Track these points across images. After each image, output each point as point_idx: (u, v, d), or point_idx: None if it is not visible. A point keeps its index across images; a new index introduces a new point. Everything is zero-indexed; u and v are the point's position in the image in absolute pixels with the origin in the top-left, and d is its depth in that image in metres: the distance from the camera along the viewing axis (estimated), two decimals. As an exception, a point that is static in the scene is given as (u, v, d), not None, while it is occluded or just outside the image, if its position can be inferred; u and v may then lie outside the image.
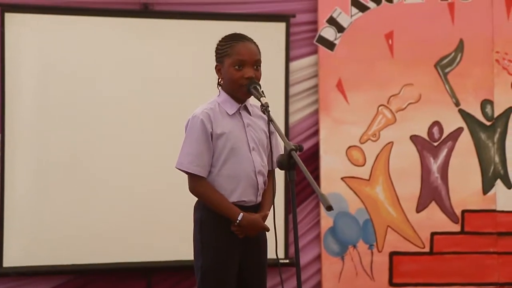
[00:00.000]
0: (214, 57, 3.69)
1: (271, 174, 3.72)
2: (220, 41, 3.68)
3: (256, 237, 3.62)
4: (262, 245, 3.70)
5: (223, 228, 3.56)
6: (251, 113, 3.68)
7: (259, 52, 3.63)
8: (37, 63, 5.50)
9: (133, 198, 5.54)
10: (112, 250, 5.53)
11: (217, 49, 3.67)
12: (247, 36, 3.66)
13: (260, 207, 3.64)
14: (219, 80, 3.68)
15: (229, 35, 3.68)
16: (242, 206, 3.57)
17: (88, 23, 5.54)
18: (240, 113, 3.65)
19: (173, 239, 5.47)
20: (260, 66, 3.61)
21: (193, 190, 3.61)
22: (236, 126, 3.62)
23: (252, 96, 3.58)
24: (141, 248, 5.55)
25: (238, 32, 3.70)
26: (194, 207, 3.67)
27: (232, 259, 3.59)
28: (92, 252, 5.49)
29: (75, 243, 5.46)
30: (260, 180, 3.63)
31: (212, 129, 3.57)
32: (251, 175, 3.60)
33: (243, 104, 3.66)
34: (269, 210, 3.62)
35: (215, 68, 3.66)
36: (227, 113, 3.62)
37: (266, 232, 3.67)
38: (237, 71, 3.57)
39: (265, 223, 3.61)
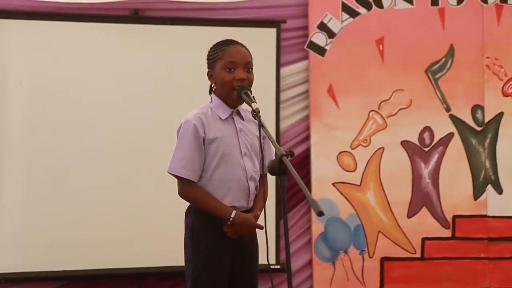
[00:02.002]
0: (206, 64, 3.69)
1: (262, 178, 3.72)
2: (211, 48, 3.69)
3: (248, 242, 3.62)
4: (254, 250, 3.70)
5: (214, 233, 3.56)
6: (244, 118, 3.68)
7: (250, 55, 3.64)
8: (27, 69, 5.48)
9: (124, 203, 5.52)
10: (103, 256, 5.51)
11: (208, 55, 3.68)
12: (237, 41, 3.67)
13: (251, 209, 3.65)
14: (212, 86, 3.68)
15: (220, 41, 3.69)
16: (233, 211, 3.58)
17: (77, 29, 5.53)
18: (232, 118, 3.65)
19: (164, 244, 5.45)
20: (252, 69, 3.62)
21: (183, 194, 3.61)
22: (228, 131, 3.62)
23: (239, 102, 3.59)
24: (132, 254, 5.53)
25: (229, 37, 3.71)
26: (185, 212, 3.66)
27: (223, 264, 3.58)
28: (83, 258, 5.47)
29: (66, 249, 5.44)
30: (252, 185, 3.63)
31: (205, 134, 3.57)
32: (243, 181, 3.60)
33: (236, 109, 3.66)
34: (260, 211, 3.62)
35: (207, 74, 3.66)
36: (220, 117, 3.62)
37: (257, 238, 3.67)
38: (229, 74, 3.57)
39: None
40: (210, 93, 3.70)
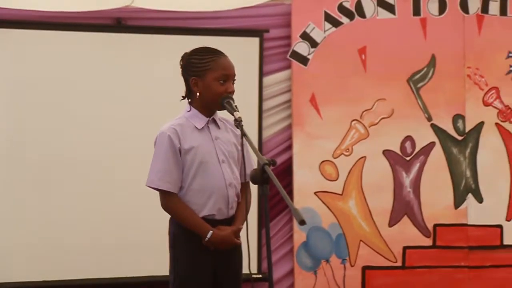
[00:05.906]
0: (186, 70, 3.67)
1: (245, 186, 3.72)
2: (195, 55, 3.64)
3: (231, 251, 3.62)
4: (237, 260, 3.70)
5: (195, 242, 3.57)
6: (220, 126, 3.69)
7: (233, 66, 3.67)
8: (9, 78, 5.44)
9: (110, 214, 5.51)
10: (84, 266, 5.48)
11: (192, 62, 3.63)
12: (221, 51, 3.67)
13: (233, 220, 3.65)
14: (186, 93, 3.66)
15: (205, 48, 3.66)
16: (214, 220, 3.58)
17: (60, 38, 5.51)
18: (208, 126, 3.65)
19: (149, 255, 5.45)
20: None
21: (164, 206, 3.62)
22: (204, 140, 3.62)
23: (222, 110, 3.60)
24: (115, 264, 5.52)
25: (212, 46, 3.71)
26: (169, 220, 3.66)
27: (206, 271, 3.59)
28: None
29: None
30: (231, 192, 3.63)
31: (180, 144, 3.57)
32: (222, 188, 3.60)
33: (211, 118, 3.66)
34: (242, 224, 3.62)
35: (191, 81, 3.62)
36: (196, 127, 3.62)
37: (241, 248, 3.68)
38: (221, 86, 3.58)
39: (239, 236, 3.61)
40: (188, 98, 3.68)
